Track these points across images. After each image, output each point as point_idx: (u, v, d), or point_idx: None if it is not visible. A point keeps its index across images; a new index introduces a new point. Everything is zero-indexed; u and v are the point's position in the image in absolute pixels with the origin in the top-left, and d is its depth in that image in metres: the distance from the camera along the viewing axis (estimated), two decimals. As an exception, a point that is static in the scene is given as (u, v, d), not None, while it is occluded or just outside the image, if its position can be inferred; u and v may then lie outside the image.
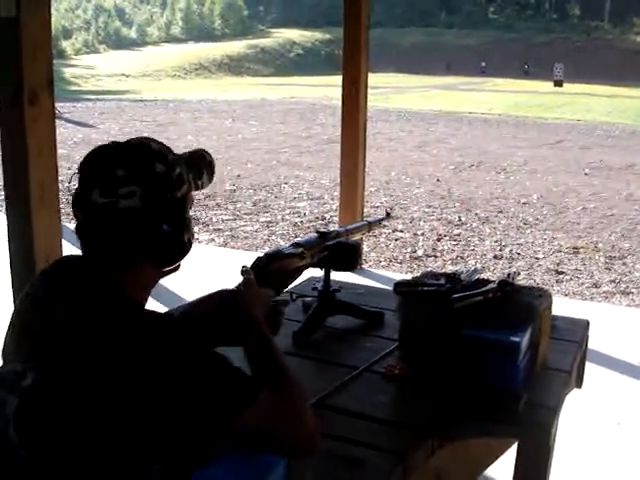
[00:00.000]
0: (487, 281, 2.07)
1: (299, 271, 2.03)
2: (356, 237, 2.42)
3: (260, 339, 1.55)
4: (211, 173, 1.60)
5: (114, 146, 1.45)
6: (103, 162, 1.41)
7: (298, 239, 2.17)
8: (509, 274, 2.05)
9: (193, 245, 1.54)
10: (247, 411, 1.33)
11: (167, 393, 1.31)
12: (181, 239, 1.47)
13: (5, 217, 3.17)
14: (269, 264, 1.87)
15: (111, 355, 1.31)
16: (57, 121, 3.40)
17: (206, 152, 1.62)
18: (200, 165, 1.57)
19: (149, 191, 1.39)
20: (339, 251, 2.22)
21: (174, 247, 1.47)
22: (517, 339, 1.84)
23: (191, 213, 1.53)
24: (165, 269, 1.50)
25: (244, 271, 1.71)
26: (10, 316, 1.48)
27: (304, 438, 1.39)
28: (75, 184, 1.45)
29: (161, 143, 1.48)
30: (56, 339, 1.36)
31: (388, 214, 2.72)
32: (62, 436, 1.33)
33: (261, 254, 1.91)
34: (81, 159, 1.46)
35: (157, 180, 1.40)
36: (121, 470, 1.33)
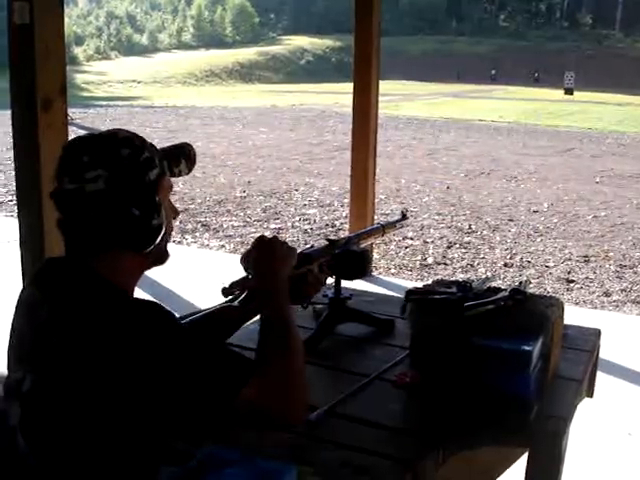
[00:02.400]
0: (499, 289, 2.06)
1: (315, 287, 2.02)
2: (369, 242, 2.39)
3: (275, 309, 1.55)
4: (190, 162, 1.58)
5: (83, 136, 1.47)
6: (71, 151, 1.43)
7: (307, 249, 2.12)
8: (521, 282, 2.04)
9: (165, 230, 1.51)
10: (246, 386, 1.34)
11: (161, 376, 1.31)
12: (150, 222, 1.45)
13: (17, 222, 3.19)
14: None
15: (102, 346, 1.31)
16: (69, 127, 3.42)
17: (187, 144, 1.62)
18: (177, 153, 1.57)
19: (114, 174, 1.39)
20: (347, 259, 2.21)
21: (144, 230, 1.45)
22: (529, 348, 1.83)
23: (173, 198, 1.55)
24: (144, 254, 1.48)
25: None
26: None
27: (292, 414, 1.41)
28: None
29: (132, 132, 1.49)
30: (46, 340, 1.36)
31: (404, 215, 2.64)
32: (66, 436, 1.33)
33: None
34: None
35: (122, 163, 1.41)
36: (127, 463, 1.33)
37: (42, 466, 1.36)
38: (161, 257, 1.54)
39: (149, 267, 1.53)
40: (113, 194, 1.39)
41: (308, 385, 1.46)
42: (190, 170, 1.59)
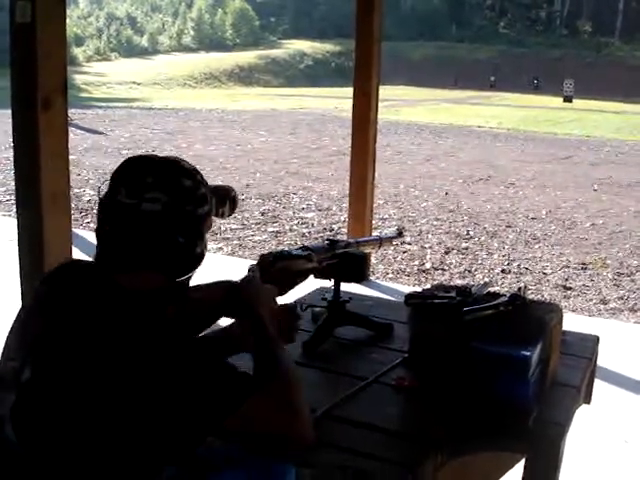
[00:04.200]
0: (498, 294, 2.07)
1: (305, 274, 2.03)
2: (366, 250, 2.42)
3: (264, 338, 1.58)
4: (233, 206, 1.67)
5: (148, 156, 1.53)
6: (135, 168, 1.49)
7: (307, 244, 2.16)
8: (519, 288, 2.05)
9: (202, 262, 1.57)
10: (244, 404, 1.36)
11: (162, 388, 1.32)
12: (193, 251, 1.51)
13: (16, 221, 3.19)
14: (275, 262, 1.87)
15: (107, 352, 1.33)
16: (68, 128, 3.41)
17: (231, 187, 1.70)
18: (224, 195, 1.64)
19: (173, 200, 1.45)
20: (347, 262, 2.22)
21: (186, 258, 1.51)
22: (528, 353, 1.83)
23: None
24: (173, 280, 1.52)
25: (250, 269, 1.73)
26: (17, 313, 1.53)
27: (297, 433, 1.42)
28: (104, 191, 1.52)
29: (193, 166, 1.55)
30: (53, 336, 1.39)
31: (400, 233, 2.68)
32: (58, 432, 1.33)
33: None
34: (115, 167, 1.52)
35: (182, 192, 1.47)
36: (115, 461, 1.33)
37: (29, 457, 1.37)
38: (183, 285, 1.57)
39: (170, 291, 1.56)
40: (166, 219, 1.45)
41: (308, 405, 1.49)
42: (231, 214, 1.68)
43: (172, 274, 1.50)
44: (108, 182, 1.51)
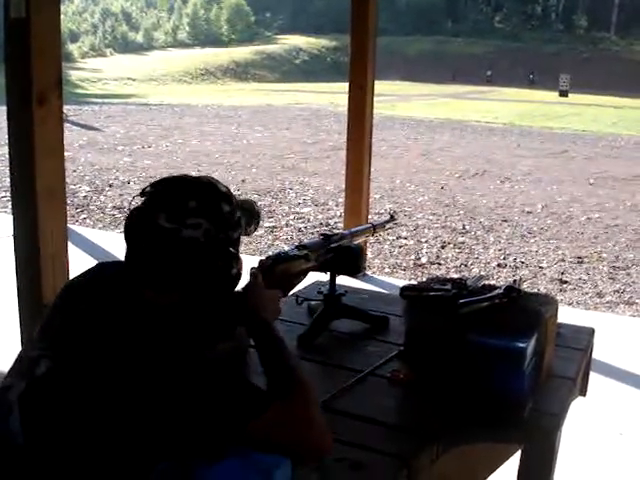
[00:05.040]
0: (493, 287, 2.07)
1: (304, 273, 2.04)
2: (360, 240, 2.42)
3: (273, 344, 1.57)
4: (257, 223, 1.69)
5: (186, 178, 1.52)
6: (175, 191, 1.47)
7: (303, 241, 2.17)
8: (515, 280, 2.05)
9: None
10: (258, 419, 1.36)
11: (176, 396, 1.33)
12: (230, 272, 1.52)
13: (12, 217, 3.18)
14: (274, 266, 1.87)
15: (125, 355, 1.35)
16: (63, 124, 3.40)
17: (255, 202, 1.72)
18: (251, 215, 1.66)
19: (214, 227, 1.46)
20: (342, 255, 2.23)
21: (224, 280, 1.52)
22: (523, 345, 1.83)
23: None
24: (209, 300, 1.54)
25: (252, 273, 1.72)
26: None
27: (314, 445, 1.42)
28: (135, 204, 1.50)
29: (226, 186, 1.55)
30: (75, 333, 1.40)
31: (392, 217, 2.70)
32: (66, 426, 1.35)
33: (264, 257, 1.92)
34: (150, 183, 1.52)
35: (222, 218, 1.48)
36: (122, 466, 1.34)
37: (30, 448, 1.37)
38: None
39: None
40: (205, 245, 1.45)
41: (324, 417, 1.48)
42: (255, 230, 1.70)
43: (207, 296, 1.52)
44: (141, 198, 1.49)
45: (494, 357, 1.85)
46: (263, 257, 1.89)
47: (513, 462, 2.06)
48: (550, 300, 2.12)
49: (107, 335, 1.38)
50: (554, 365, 2.12)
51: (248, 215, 1.62)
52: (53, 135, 3.05)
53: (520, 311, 1.95)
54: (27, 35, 2.89)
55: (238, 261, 1.54)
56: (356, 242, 2.36)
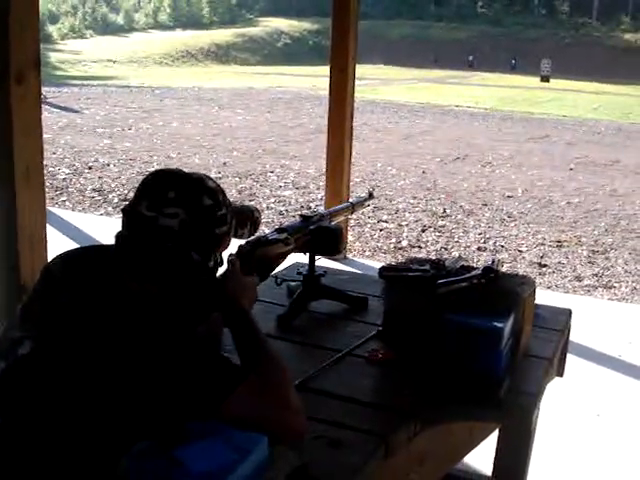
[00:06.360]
0: (471, 268, 2.08)
1: (283, 257, 2.04)
2: (340, 219, 2.43)
3: (250, 332, 1.59)
4: (254, 229, 1.71)
5: (175, 171, 1.55)
6: (160, 181, 1.51)
7: (283, 224, 2.17)
8: (493, 261, 2.06)
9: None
10: (232, 397, 1.38)
11: (154, 375, 1.35)
12: (205, 269, 1.54)
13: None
14: (254, 251, 1.87)
15: (106, 337, 1.37)
16: (42, 105, 3.37)
17: (256, 210, 1.75)
18: (246, 218, 1.69)
19: (190, 218, 1.47)
20: (322, 236, 2.23)
21: (197, 275, 1.54)
22: (500, 325, 1.85)
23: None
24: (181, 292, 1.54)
25: (230, 260, 1.72)
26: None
27: (288, 425, 1.45)
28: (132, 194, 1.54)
29: (218, 184, 1.57)
30: (59, 316, 1.42)
31: (371, 194, 2.72)
32: (46, 406, 1.36)
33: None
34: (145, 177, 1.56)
35: (201, 211, 1.49)
36: (100, 445, 1.35)
37: (7, 426, 1.40)
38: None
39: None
40: (182, 235, 1.46)
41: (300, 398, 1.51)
42: (250, 235, 1.72)
43: (182, 288, 1.52)
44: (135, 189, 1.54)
45: (472, 337, 1.86)
46: (243, 240, 1.88)
47: (491, 441, 2.08)
48: (528, 281, 2.14)
49: (88, 319, 1.40)
50: (531, 345, 2.14)
51: (242, 218, 1.64)
52: (31, 114, 3.02)
53: (498, 291, 1.97)
54: (5, 13, 2.86)
55: (217, 258, 1.56)
56: (336, 221, 2.36)
